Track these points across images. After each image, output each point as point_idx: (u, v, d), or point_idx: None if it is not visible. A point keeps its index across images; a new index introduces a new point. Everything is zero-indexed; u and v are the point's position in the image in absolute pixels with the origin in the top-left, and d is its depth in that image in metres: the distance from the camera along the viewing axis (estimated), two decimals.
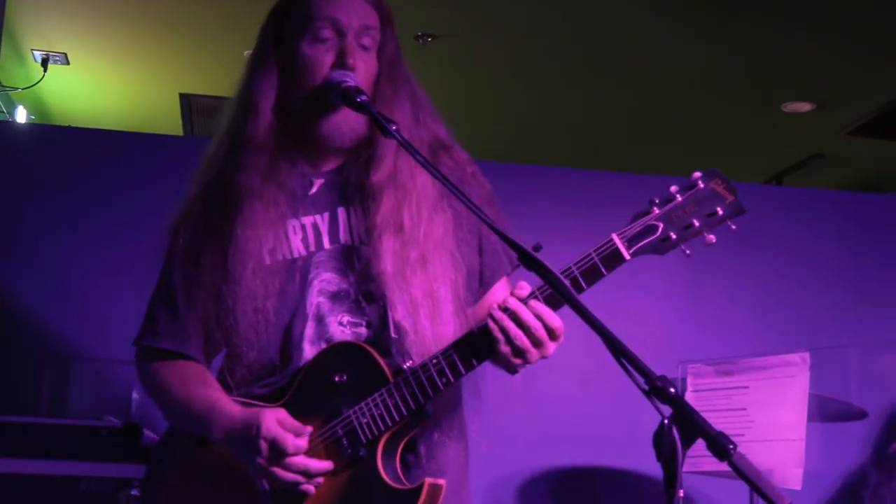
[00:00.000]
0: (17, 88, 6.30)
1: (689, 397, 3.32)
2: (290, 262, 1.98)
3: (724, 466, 1.50)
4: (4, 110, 6.28)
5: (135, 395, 3.41)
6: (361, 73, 1.96)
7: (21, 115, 6.42)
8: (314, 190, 2.04)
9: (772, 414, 3.10)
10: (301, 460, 1.82)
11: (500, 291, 2.07)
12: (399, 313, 1.92)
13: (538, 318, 1.75)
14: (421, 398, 1.82)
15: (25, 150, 3.81)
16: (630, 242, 1.78)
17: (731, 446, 1.45)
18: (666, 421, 1.49)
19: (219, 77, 6.34)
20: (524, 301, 1.76)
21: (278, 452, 1.80)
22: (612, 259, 1.76)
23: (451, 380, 1.82)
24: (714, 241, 1.78)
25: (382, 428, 1.84)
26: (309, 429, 1.84)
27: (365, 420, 1.85)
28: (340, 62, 1.94)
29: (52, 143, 3.95)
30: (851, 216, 4.33)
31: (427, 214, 1.98)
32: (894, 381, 3.83)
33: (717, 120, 6.75)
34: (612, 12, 5.33)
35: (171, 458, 2.05)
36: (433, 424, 1.96)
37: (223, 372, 2.02)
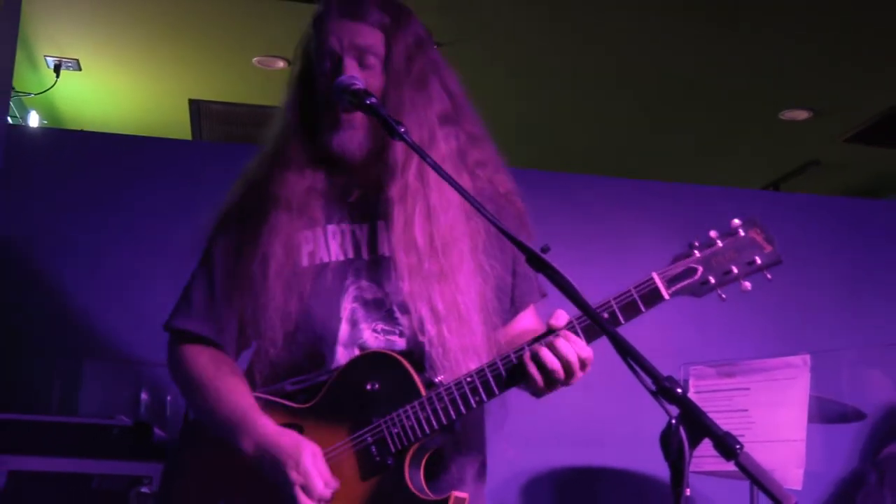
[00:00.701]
0: (29, 94, 6.30)
1: (691, 398, 3.32)
2: (327, 266, 1.99)
3: (728, 466, 1.50)
4: (18, 115, 6.28)
5: (144, 395, 3.41)
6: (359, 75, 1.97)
7: (34, 120, 6.42)
8: (353, 199, 2.05)
9: (773, 415, 3.10)
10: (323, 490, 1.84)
11: (528, 318, 2.11)
12: (427, 327, 1.93)
13: (576, 350, 1.79)
14: (453, 415, 1.84)
15: (37, 154, 3.81)
16: (670, 283, 1.82)
17: (737, 446, 1.46)
18: (673, 421, 1.49)
19: (227, 84, 6.36)
20: (561, 331, 1.80)
21: (306, 489, 1.82)
22: (652, 298, 1.81)
23: (484, 399, 1.84)
24: (749, 288, 1.84)
25: (412, 439, 1.86)
26: (336, 484, 1.85)
27: (395, 430, 1.86)
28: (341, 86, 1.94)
29: (62, 146, 3.96)
30: (848, 222, 4.33)
31: (447, 226, 1.98)
32: (892, 383, 3.83)
33: (715, 126, 6.76)
34: (611, 20, 5.34)
35: (194, 448, 2.05)
36: (458, 439, 1.98)
37: (251, 366, 2.03)
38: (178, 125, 6.98)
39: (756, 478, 1.48)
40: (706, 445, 1.51)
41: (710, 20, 5.27)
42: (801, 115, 6.46)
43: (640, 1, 5.10)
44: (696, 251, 1.83)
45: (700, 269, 1.83)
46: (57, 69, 6.17)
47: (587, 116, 6.65)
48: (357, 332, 1.97)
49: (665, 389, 1.52)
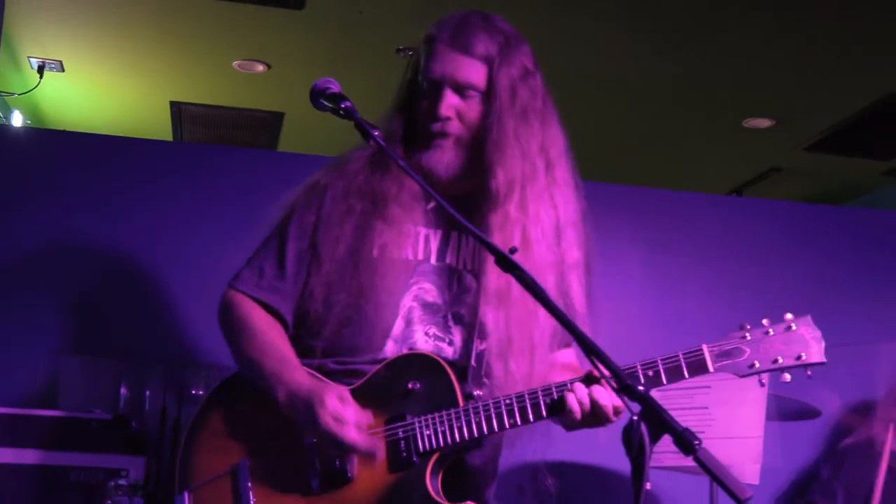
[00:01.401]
0: (13, 94, 6.28)
1: (652, 396, 3.33)
2: (396, 262, 2.01)
3: (688, 461, 1.51)
4: (1, 114, 6.25)
5: (123, 390, 3.39)
6: (460, 119, 2.01)
7: (17, 119, 6.40)
8: (432, 205, 2.06)
9: (732, 412, 3.11)
10: (359, 437, 1.86)
11: (569, 353, 2.17)
12: (490, 347, 1.98)
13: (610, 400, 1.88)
14: (486, 430, 1.88)
15: (20, 153, 3.78)
16: (717, 358, 1.90)
17: (696, 442, 1.47)
18: (635, 418, 1.50)
19: (207, 87, 6.35)
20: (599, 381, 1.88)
21: (339, 420, 1.84)
22: (698, 367, 1.90)
23: (518, 423, 1.88)
24: (789, 380, 1.92)
25: (442, 444, 1.89)
26: (367, 419, 1.89)
27: (428, 432, 1.89)
28: (432, 114, 2.00)
29: (46, 146, 3.92)
30: (808, 227, 4.35)
31: (540, 257, 2.01)
32: (847, 381, 3.85)
33: (682, 134, 6.79)
34: (584, 35, 5.36)
35: (233, 397, 2.06)
36: (481, 455, 2.04)
37: (301, 339, 2.05)
38: (159, 126, 6.96)
39: (714, 472, 1.50)
40: (667, 441, 1.52)
41: (678, 32, 5.30)
42: (765, 123, 6.51)
43: (610, 14, 5.12)
44: (748, 334, 1.91)
45: (748, 351, 1.90)
46: (41, 70, 6.15)
47: (562, 121, 6.65)
48: (410, 331, 2.01)
49: (627, 387, 1.53)
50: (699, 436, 1.45)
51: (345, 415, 1.84)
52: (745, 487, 1.53)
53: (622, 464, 1.53)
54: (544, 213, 2.04)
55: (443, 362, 1.94)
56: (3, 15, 3.06)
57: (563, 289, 2.06)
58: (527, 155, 2.04)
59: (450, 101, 1.99)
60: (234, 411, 2.02)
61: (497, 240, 1.91)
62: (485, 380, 1.97)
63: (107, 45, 5.85)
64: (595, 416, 1.88)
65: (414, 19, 5.25)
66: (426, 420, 1.89)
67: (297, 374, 1.93)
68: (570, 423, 1.91)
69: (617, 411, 1.88)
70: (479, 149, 2.00)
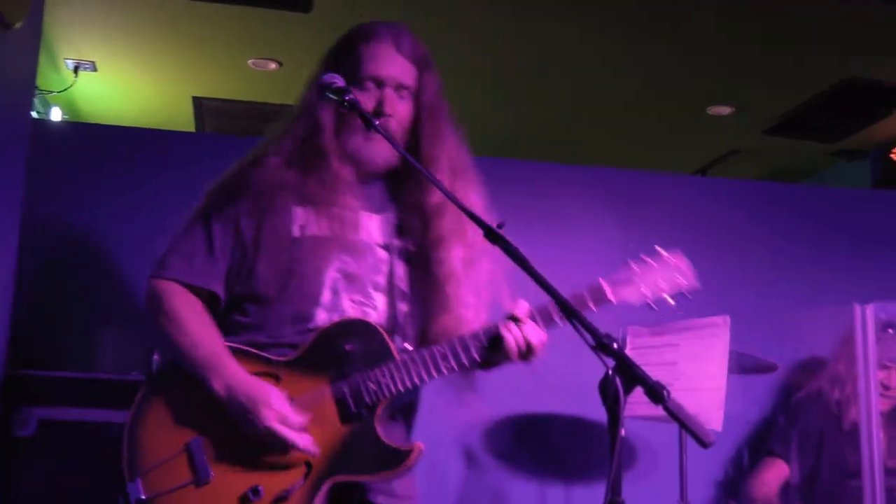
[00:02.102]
0: (52, 92, 6.25)
1: (629, 353, 3.34)
2: (316, 239, 1.99)
3: (658, 411, 1.53)
4: (42, 110, 6.24)
5: (155, 355, 3.41)
6: (398, 116, 2.03)
7: (56, 115, 6.38)
8: (349, 194, 2.04)
9: (697, 366, 3.12)
10: (294, 433, 1.84)
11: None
12: (409, 306, 2.01)
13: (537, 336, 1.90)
14: (426, 377, 1.89)
15: (59, 145, 3.79)
16: (614, 286, 1.97)
17: (665, 392, 1.48)
18: (610, 371, 1.51)
19: (226, 83, 6.33)
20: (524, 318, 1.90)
21: (284, 420, 1.83)
22: (600, 299, 1.94)
23: (454, 367, 1.89)
24: (674, 305, 2.01)
25: (386, 395, 1.88)
26: (306, 420, 1.86)
27: (372, 386, 1.88)
28: (378, 110, 2.00)
29: (81, 138, 3.93)
30: (766, 203, 4.36)
31: (451, 231, 2.04)
32: (800, 339, 3.87)
33: (651, 121, 6.77)
34: (563, 29, 5.34)
35: (173, 381, 1.98)
36: (412, 403, 2.05)
37: (229, 317, 2.01)
38: (182, 120, 6.95)
39: (681, 419, 1.52)
40: (639, 393, 1.54)
41: (645, 30, 5.29)
42: (725, 110, 6.50)
43: (589, 14, 5.11)
44: (635, 267, 1.99)
45: (638, 283, 1.98)
46: (76, 70, 6.14)
47: (540, 110, 6.65)
48: (337, 300, 1.98)
49: (603, 345, 1.55)
50: (669, 388, 1.48)
51: (290, 417, 1.83)
52: (710, 433, 1.56)
53: (600, 414, 1.55)
54: (474, 196, 2.07)
55: (373, 323, 1.94)
56: (41, 22, 3.06)
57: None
58: (459, 152, 2.10)
59: (392, 99, 2.02)
60: (178, 393, 1.94)
61: (416, 217, 2.03)
62: (408, 335, 1.98)
63: (135, 46, 5.83)
64: (529, 352, 1.90)
65: (410, 22, 5.24)
66: (368, 376, 1.88)
67: (232, 365, 1.89)
68: (496, 363, 1.94)
69: (538, 347, 1.91)
70: (411, 141, 2.05)
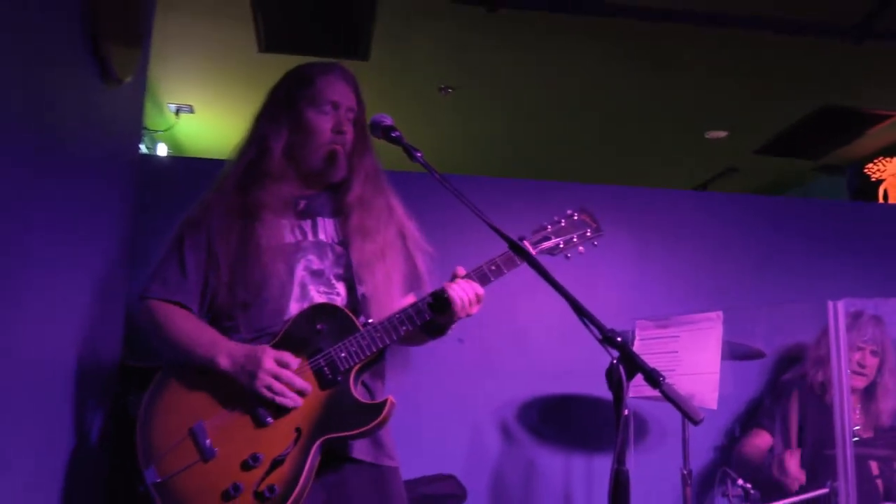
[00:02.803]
0: (157, 131, 6.37)
1: (637, 344, 3.34)
2: (281, 246, 2.01)
3: (655, 392, 1.53)
4: (149, 147, 6.35)
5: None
6: (349, 133, 2.10)
7: (161, 150, 6.49)
8: (302, 206, 2.10)
9: (695, 355, 3.11)
10: (290, 375, 1.87)
11: (410, 297, 2.14)
12: (366, 288, 1.99)
13: (473, 289, 1.92)
14: (388, 340, 1.91)
15: (164, 176, 3.86)
16: (535, 245, 2.00)
17: (661, 378, 1.49)
18: (614, 360, 1.52)
19: None
20: (464, 277, 1.93)
21: (280, 361, 1.87)
22: (523, 255, 1.84)
23: (410, 329, 1.92)
24: (583, 251, 2.03)
25: (356, 361, 1.90)
26: (296, 363, 1.90)
27: (343, 355, 1.90)
28: (338, 128, 2.08)
29: (182, 170, 3.99)
30: (757, 213, 4.32)
31: (383, 225, 2.08)
32: (784, 331, 3.83)
33: (658, 144, 6.74)
34: (576, 63, 5.34)
35: (171, 381, 1.99)
36: (379, 366, 2.04)
37: (218, 325, 2.01)
38: None
39: (674, 400, 1.52)
40: (641, 378, 1.54)
41: (652, 63, 5.26)
42: (721, 134, 6.45)
43: (598, 48, 5.10)
44: (548, 226, 2.01)
45: (553, 237, 2.01)
46: (177, 113, 6.24)
47: (555, 135, 6.64)
48: (305, 293, 2.00)
49: (608, 338, 1.55)
50: (671, 373, 1.49)
51: (284, 358, 1.87)
52: (699, 412, 1.55)
53: (607, 392, 1.55)
54: (385, 203, 2.12)
55: (336, 304, 1.97)
56: (147, 75, 3.13)
57: (406, 253, 2.12)
58: (371, 158, 2.15)
59: (345, 120, 2.09)
60: (178, 386, 1.95)
61: (357, 214, 2.06)
62: (372, 312, 1.97)
63: (225, 92, 5.92)
64: (471, 303, 1.90)
65: (452, 64, 5.28)
66: (339, 347, 1.90)
67: (229, 343, 1.91)
68: (445, 323, 1.94)
69: (479, 298, 1.92)
70: (351, 154, 2.11)
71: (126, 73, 2.57)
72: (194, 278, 2.01)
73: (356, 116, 2.12)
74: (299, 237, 2.05)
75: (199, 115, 6.34)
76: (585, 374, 3.71)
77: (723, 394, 3.00)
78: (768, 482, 3.24)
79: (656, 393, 1.65)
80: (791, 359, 3.75)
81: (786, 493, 3.15)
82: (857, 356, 3.39)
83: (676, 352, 3.15)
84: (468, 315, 1.92)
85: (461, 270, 1.94)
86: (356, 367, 1.90)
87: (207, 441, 1.87)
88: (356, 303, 1.98)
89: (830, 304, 2.81)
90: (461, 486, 3.54)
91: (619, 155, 6.98)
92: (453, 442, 3.75)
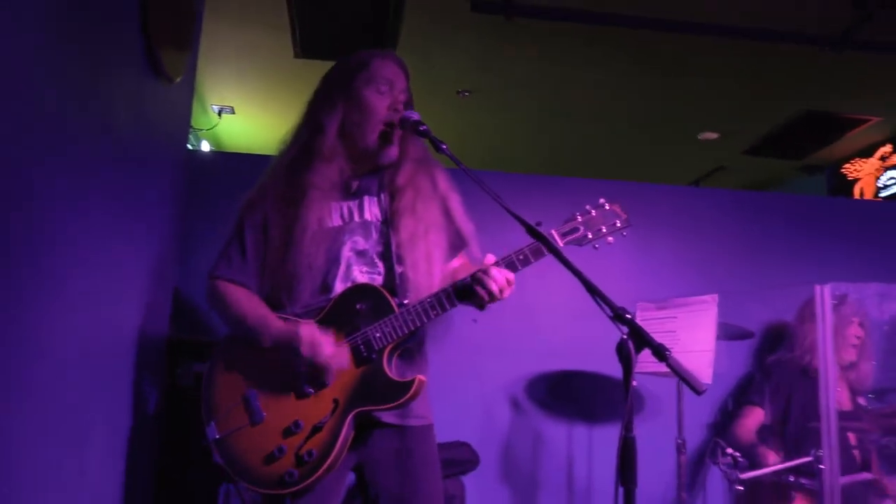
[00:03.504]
0: (202, 129, 6.37)
1: (636, 321, 3.31)
2: (330, 229, 1.96)
3: (662, 367, 1.50)
4: (194, 144, 6.36)
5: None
6: (402, 114, 1.99)
7: (205, 147, 6.50)
8: (353, 187, 2.03)
9: (692, 334, 3.08)
10: (330, 349, 1.84)
11: (458, 259, 2.08)
12: (405, 268, 1.93)
13: (504, 276, 1.82)
14: (419, 323, 1.85)
15: (207, 170, 3.85)
16: (563, 236, 1.86)
17: (667, 352, 1.46)
18: (624, 336, 1.49)
19: None
20: (492, 266, 1.83)
21: (315, 344, 1.83)
22: (552, 246, 1.76)
23: (440, 312, 1.85)
24: (612, 241, 1.87)
25: (390, 340, 1.86)
26: (331, 338, 1.86)
27: (378, 334, 1.87)
28: (394, 106, 1.98)
29: (224, 164, 3.99)
30: (746, 207, 4.29)
31: (429, 205, 2.00)
32: (772, 313, 3.80)
33: (655, 145, 6.71)
34: (584, 71, 5.30)
35: (231, 351, 1.99)
36: (414, 343, 1.98)
37: (273, 299, 1.98)
38: None
39: (679, 372, 1.49)
40: (646, 353, 1.51)
41: (652, 69, 5.23)
42: (713, 135, 6.40)
43: (603, 56, 5.07)
44: (579, 216, 1.86)
45: (581, 228, 1.86)
46: (219, 113, 6.24)
47: (564, 135, 6.61)
48: (349, 272, 1.96)
49: (619, 315, 1.52)
50: (670, 350, 1.44)
51: (318, 340, 1.83)
52: (701, 383, 1.53)
53: (614, 370, 1.53)
54: (430, 185, 2.03)
55: (376, 285, 1.91)
56: (195, 76, 3.12)
57: (449, 225, 2.03)
58: (420, 143, 2.05)
59: (399, 100, 2.00)
60: (235, 358, 1.95)
61: (408, 193, 1.97)
62: (407, 291, 1.92)
63: (263, 94, 5.92)
64: (501, 291, 1.82)
65: (470, 69, 5.25)
66: (375, 327, 1.86)
67: (274, 323, 1.89)
68: (480, 301, 1.83)
69: (510, 283, 1.83)
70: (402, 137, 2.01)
71: (177, 74, 2.55)
72: (252, 258, 1.99)
73: (407, 99, 2.03)
74: (346, 218, 1.99)
75: (239, 116, 6.34)
76: (588, 353, 3.70)
77: (716, 371, 2.96)
78: (754, 459, 3.21)
79: (659, 368, 1.62)
80: (778, 338, 3.72)
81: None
82: (853, 329, 3.35)
83: (674, 331, 3.12)
84: (502, 299, 1.85)
85: (490, 259, 1.86)
86: (389, 347, 1.87)
87: (257, 407, 1.89)
88: (396, 283, 1.94)
89: (818, 287, 2.77)
90: (475, 452, 3.53)
91: (621, 153, 6.95)
92: (468, 413, 3.74)
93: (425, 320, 1.85)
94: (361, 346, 1.87)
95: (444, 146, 1.84)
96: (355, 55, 2.07)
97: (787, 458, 3.10)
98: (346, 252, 1.96)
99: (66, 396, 1.85)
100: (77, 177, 1.82)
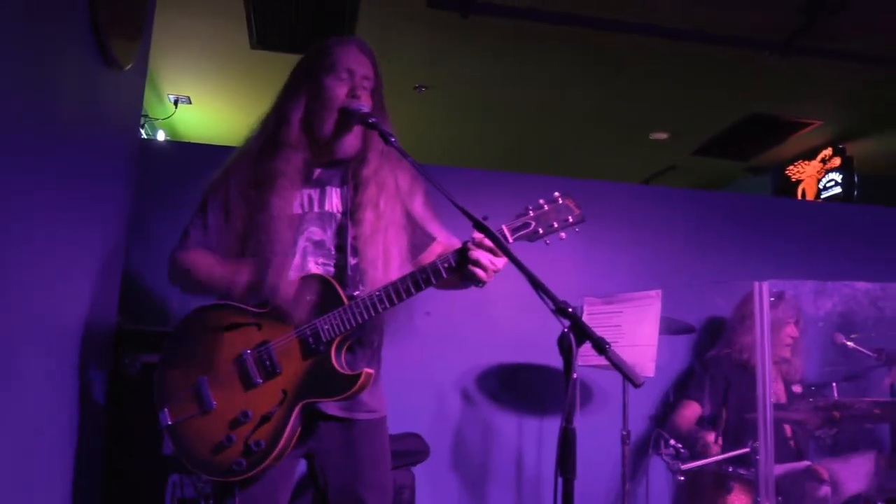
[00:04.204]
0: (158, 119, 6.26)
1: (585, 318, 3.34)
2: (288, 217, 1.93)
3: (604, 361, 1.50)
4: (150, 133, 6.25)
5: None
6: (365, 102, 1.95)
7: (161, 136, 6.39)
8: (315, 175, 2.00)
9: (636, 328, 3.11)
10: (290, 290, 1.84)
11: (429, 255, 2.05)
12: (361, 261, 1.91)
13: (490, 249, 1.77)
14: (367, 315, 1.83)
15: (163, 158, 3.79)
16: (513, 232, 1.77)
17: (606, 345, 1.46)
18: (565, 329, 1.49)
19: None
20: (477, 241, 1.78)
21: (277, 286, 1.83)
22: (504, 240, 1.75)
23: (388, 306, 1.82)
24: (564, 237, 1.78)
25: (337, 333, 1.84)
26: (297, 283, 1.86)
27: (326, 327, 1.84)
28: (352, 94, 1.94)
29: (179, 153, 3.93)
30: (693, 206, 4.35)
31: (392, 202, 1.97)
32: (712, 309, 3.86)
33: (606, 144, 6.77)
34: (537, 71, 5.33)
35: (185, 337, 1.94)
36: (366, 336, 1.96)
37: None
38: None
39: (617, 364, 1.49)
40: (590, 348, 1.51)
41: (605, 70, 5.27)
42: (663, 135, 6.48)
43: (557, 56, 5.10)
44: (531, 210, 1.78)
45: (533, 223, 1.78)
46: (176, 103, 6.14)
47: (518, 132, 6.64)
48: (305, 263, 1.94)
49: (560, 309, 1.51)
50: (614, 344, 1.45)
51: (281, 281, 1.83)
52: (640, 376, 1.52)
53: (558, 362, 1.53)
54: (393, 180, 2.00)
55: (327, 276, 1.89)
56: (147, 64, 3.06)
57: (411, 227, 2.00)
58: (389, 130, 1.95)
59: (360, 87, 1.96)
60: (186, 347, 1.92)
61: (371, 187, 1.94)
62: (360, 284, 1.91)
63: (219, 85, 5.84)
64: (493, 264, 1.78)
65: (426, 64, 5.23)
66: (324, 319, 1.84)
67: (245, 266, 1.88)
68: (472, 275, 1.78)
69: (496, 254, 1.77)
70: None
71: (127, 61, 2.49)
72: (215, 233, 1.96)
73: (373, 86, 1.99)
74: (306, 207, 1.96)
75: (195, 106, 6.24)
76: (539, 345, 3.72)
77: (659, 364, 3.01)
78: (694, 449, 3.27)
79: (602, 361, 1.62)
80: (717, 333, 3.79)
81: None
82: (788, 329, 3.42)
83: (620, 325, 3.16)
84: (496, 268, 1.79)
85: (478, 235, 1.78)
86: (338, 339, 1.85)
87: (208, 393, 1.86)
88: (348, 274, 1.92)
89: (756, 284, 2.82)
90: (425, 443, 3.53)
91: (574, 151, 7.00)
92: (419, 404, 3.74)
93: (373, 314, 1.82)
94: (310, 338, 1.85)
95: (393, 139, 1.82)
96: (318, 44, 2.03)
97: (726, 449, 3.16)
98: (303, 242, 1.94)
99: (10, 385, 1.81)
100: (21, 163, 1.77)
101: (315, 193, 1.98)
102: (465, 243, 1.79)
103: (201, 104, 6.21)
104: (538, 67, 5.25)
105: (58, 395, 2.18)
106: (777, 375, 3.44)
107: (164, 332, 3.01)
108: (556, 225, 1.78)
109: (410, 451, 3.43)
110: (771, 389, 2.74)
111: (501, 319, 3.86)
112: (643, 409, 3.85)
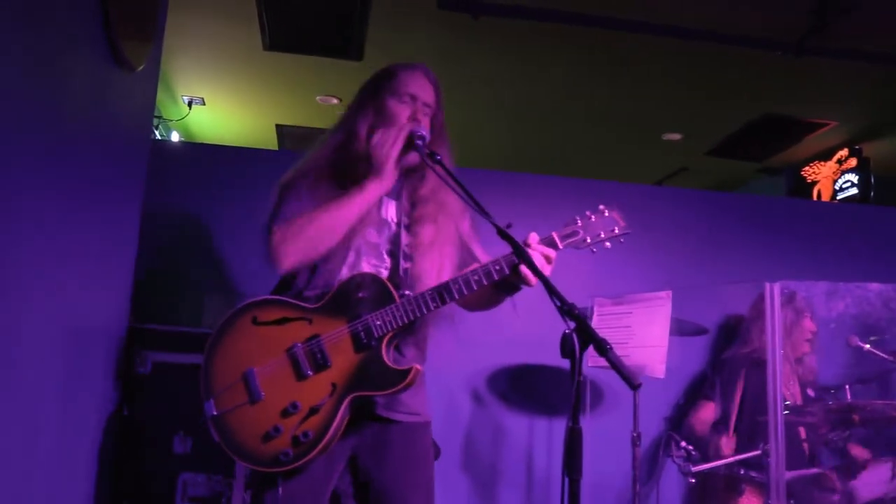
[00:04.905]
0: (171, 120, 6.30)
1: (595, 319, 3.32)
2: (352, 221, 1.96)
3: (605, 362, 1.51)
4: (164, 134, 6.29)
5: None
6: (425, 126, 2.04)
7: (175, 137, 6.43)
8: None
9: (647, 329, 3.10)
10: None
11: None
12: (411, 266, 1.97)
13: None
14: (418, 312, 1.86)
15: (176, 159, 3.82)
16: (563, 239, 1.89)
17: (608, 346, 1.47)
18: (568, 331, 1.50)
19: (300, 114, 6.36)
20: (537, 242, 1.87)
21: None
22: (550, 245, 1.86)
23: (440, 304, 1.86)
24: (610, 247, 1.91)
25: (389, 329, 1.87)
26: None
27: (378, 322, 1.87)
28: (414, 116, 2.03)
29: (193, 154, 3.96)
30: (706, 207, 4.33)
31: (448, 222, 2.05)
32: (726, 310, 3.84)
33: (620, 145, 6.74)
34: (549, 72, 5.32)
35: (233, 328, 1.93)
36: (414, 333, 2.00)
37: (287, 279, 1.99)
38: (268, 142, 6.99)
39: (617, 367, 1.50)
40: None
41: (618, 71, 5.26)
42: (676, 136, 6.45)
43: (570, 56, 5.09)
44: (579, 220, 1.89)
45: (581, 232, 1.89)
46: (190, 104, 6.18)
47: (529, 133, 6.63)
48: (358, 261, 1.97)
49: (566, 310, 1.53)
50: (624, 346, 1.47)
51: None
52: (638, 377, 1.55)
53: (567, 363, 1.53)
54: (451, 198, 2.03)
55: (378, 275, 1.93)
56: (159, 65, 3.08)
57: (459, 224, 2.08)
58: (447, 155, 2.01)
59: (421, 111, 2.05)
60: (234, 340, 1.92)
61: (425, 207, 2.02)
62: (409, 289, 1.94)
63: (233, 86, 5.87)
64: (547, 262, 1.85)
65: (437, 67, 5.23)
66: (376, 315, 1.87)
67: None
68: (523, 279, 1.84)
69: (550, 259, 1.86)
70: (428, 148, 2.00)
71: (138, 62, 2.51)
72: (307, 206, 1.96)
73: (434, 113, 2.09)
74: (364, 212, 1.99)
75: (209, 107, 6.28)
76: (549, 347, 3.70)
77: (671, 366, 2.99)
78: (707, 451, 3.25)
79: (603, 363, 1.63)
80: (731, 334, 3.76)
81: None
82: (806, 323, 3.39)
83: (630, 326, 3.14)
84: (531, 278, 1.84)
85: (534, 237, 1.88)
86: (389, 335, 1.88)
87: (257, 384, 1.87)
88: (400, 276, 1.97)
89: (767, 285, 2.80)
90: (436, 444, 3.53)
91: (587, 151, 6.98)
92: (430, 405, 3.73)
93: (425, 311, 1.87)
94: (362, 333, 1.88)
95: (439, 157, 1.90)
96: (386, 67, 2.14)
97: (739, 451, 3.14)
98: (358, 241, 1.98)
99: (22, 385, 1.82)
100: (34, 164, 1.79)
101: (375, 203, 2.03)
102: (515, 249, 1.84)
103: (215, 105, 6.24)
104: (549, 68, 5.24)
105: (69, 394, 2.20)
106: (793, 377, 3.40)
107: (175, 332, 3.06)
108: (602, 235, 1.89)
109: None
110: (781, 391, 2.72)
111: (510, 321, 3.84)
112: (657, 412, 3.83)
